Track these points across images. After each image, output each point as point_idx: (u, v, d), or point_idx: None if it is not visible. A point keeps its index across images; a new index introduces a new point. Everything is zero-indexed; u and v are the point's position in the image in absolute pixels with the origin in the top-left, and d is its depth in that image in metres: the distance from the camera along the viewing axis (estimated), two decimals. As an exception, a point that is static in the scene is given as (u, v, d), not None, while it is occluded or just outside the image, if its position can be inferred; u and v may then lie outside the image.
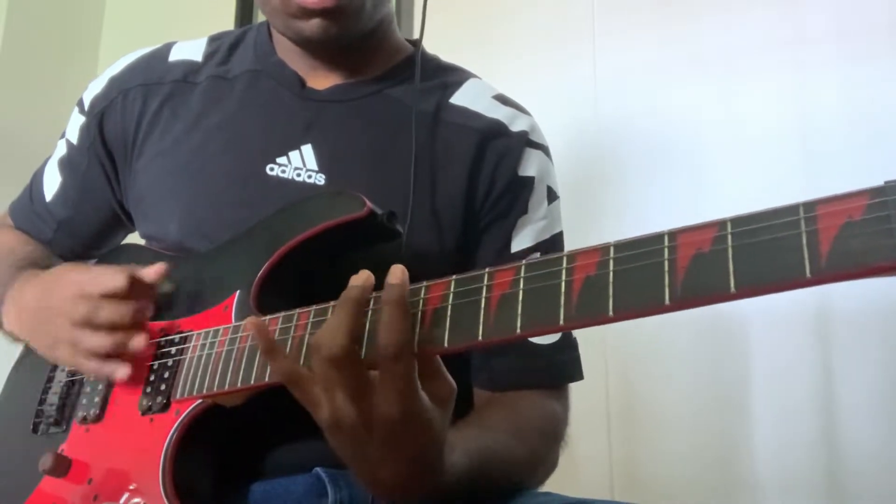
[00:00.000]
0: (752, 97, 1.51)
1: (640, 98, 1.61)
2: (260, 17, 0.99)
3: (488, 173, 0.91)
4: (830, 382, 1.37)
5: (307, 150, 0.89)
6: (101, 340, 0.78)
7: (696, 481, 1.43)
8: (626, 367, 1.52)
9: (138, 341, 0.78)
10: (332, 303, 0.67)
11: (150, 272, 0.81)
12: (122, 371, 0.78)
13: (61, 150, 1.03)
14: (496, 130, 0.93)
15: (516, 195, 0.92)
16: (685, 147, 1.55)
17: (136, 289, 0.79)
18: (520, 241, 0.91)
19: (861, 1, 1.47)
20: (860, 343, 1.36)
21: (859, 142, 1.41)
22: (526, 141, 0.94)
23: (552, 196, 0.95)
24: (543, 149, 0.96)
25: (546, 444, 0.84)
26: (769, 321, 1.42)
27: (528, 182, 0.93)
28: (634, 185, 1.58)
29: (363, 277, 0.63)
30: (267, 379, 0.69)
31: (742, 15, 1.55)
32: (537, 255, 0.90)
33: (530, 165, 0.93)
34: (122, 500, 0.75)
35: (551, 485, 0.85)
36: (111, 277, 0.78)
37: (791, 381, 1.39)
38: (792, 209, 0.45)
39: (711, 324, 1.46)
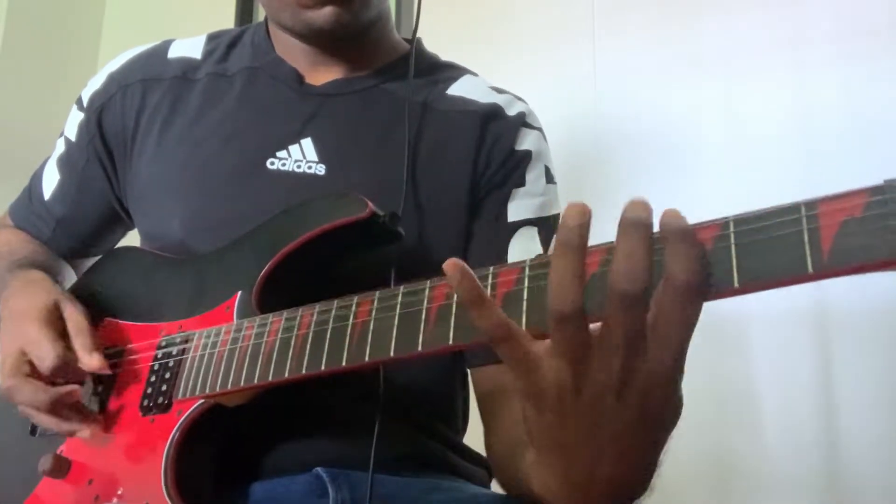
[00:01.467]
0: (752, 97, 1.52)
1: (640, 98, 1.61)
2: (259, 17, 0.99)
3: (485, 154, 0.92)
4: (830, 382, 1.37)
5: (307, 143, 0.90)
6: (41, 418, 0.79)
7: (696, 481, 1.43)
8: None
9: (84, 433, 0.79)
10: (335, 301, 0.67)
11: (93, 366, 0.79)
12: (83, 431, 0.79)
13: (60, 148, 1.03)
14: (493, 113, 0.94)
15: (513, 168, 0.92)
16: (685, 147, 1.55)
17: (65, 373, 0.79)
18: (516, 212, 0.91)
19: (861, 1, 1.47)
20: (860, 343, 1.36)
21: (859, 142, 1.41)
22: (522, 122, 0.95)
23: (550, 177, 0.95)
24: (540, 130, 0.97)
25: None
26: (769, 321, 1.42)
27: (525, 155, 0.93)
28: (634, 184, 1.58)
29: (578, 211, 0.49)
30: (270, 378, 0.68)
31: (742, 15, 1.56)
32: (535, 229, 0.91)
33: (527, 141, 0.94)
34: (123, 502, 0.75)
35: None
36: (45, 354, 0.78)
37: (791, 381, 1.39)
38: (794, 208, 0.45)
39: (711, 324, 1.45)
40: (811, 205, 0.45)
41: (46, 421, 0.79)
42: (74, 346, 0.80)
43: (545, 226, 0.92)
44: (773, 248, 0.45)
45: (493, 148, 0.92)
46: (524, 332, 0.51)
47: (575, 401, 0.49)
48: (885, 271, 0.42)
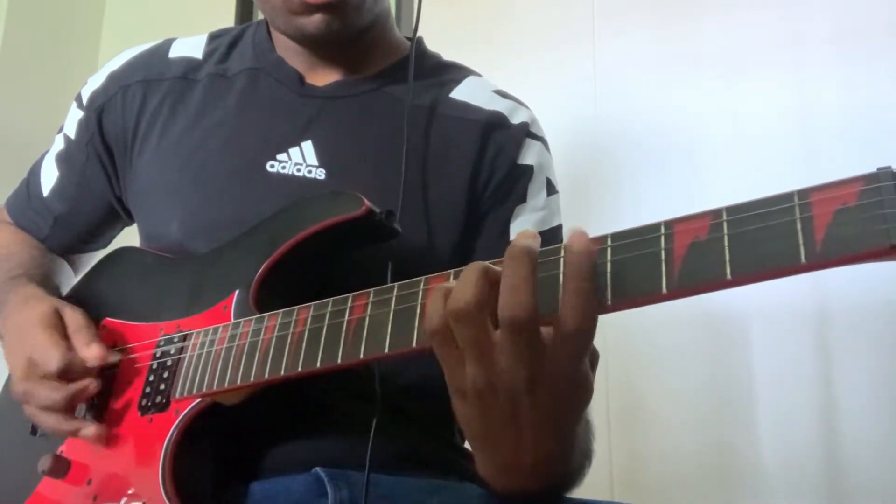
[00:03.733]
0: (752, 97, 1.52)
1: (640, 98, 1.61)
2: (260, 15, 0.99)
3: (489, 163, 0.91)
4: (830, 382, 1.36)
5: (307, 146, 0.90)
6: (49, 394, 0.79)
7: (696, 481, 1.43)
8: (626, 367, 1.52)
9: (87, 431, 0.78)
10: (330, 299, 0.67)
11: (91, 357, 0.80)
12: (88, 430, 0.79)
13: (59, 144, 1.03)
14: (497, 122, 0.93)
15: (515, 183, 0.92)
16: (685, 147, 1.55)
17: (73, 370, 0.79)
18: (518, 227, 0.91)
19: (860, 1, 1.47)
20: (860, 343, 1.36)
21: (859, 142, 1.41)
22: (526, 132, 0.94)
23: (551, 188, 0.95)
24: (543, 141, 0.97)
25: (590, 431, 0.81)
26: (769, 321, 1.42)
27: (527, 170, 0.93)
28: (634, 184, 1.58)
29: (531, 234, 0.55)
30: (267, 376, 0.68)
31: (742, 15, 1.56)
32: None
33: (529, 155, 0.94)
34: (122, 501, 0.75)
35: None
36: (49, 356, 0.79)
37: (791, 381, 1.39)
38: (787, 197, 0.45)
39: (712, 324, 1.46)
40: (804, 193, 0.44)
41: (55, 423, 0.79)
42: (74, 345, 0.80)
43: (545, 236, 0.91)
44: (766, 239, 0.45)
45: (496, 160, 0.92)
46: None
47: (491, 398, 0.54)
48: (881, 261, 0.41)
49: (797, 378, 1.38)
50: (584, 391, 0.56)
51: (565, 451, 0.60)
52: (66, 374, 0.79)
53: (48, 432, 0.82)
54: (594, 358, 0.58)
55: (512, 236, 0.90)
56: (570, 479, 0.71)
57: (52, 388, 0.78)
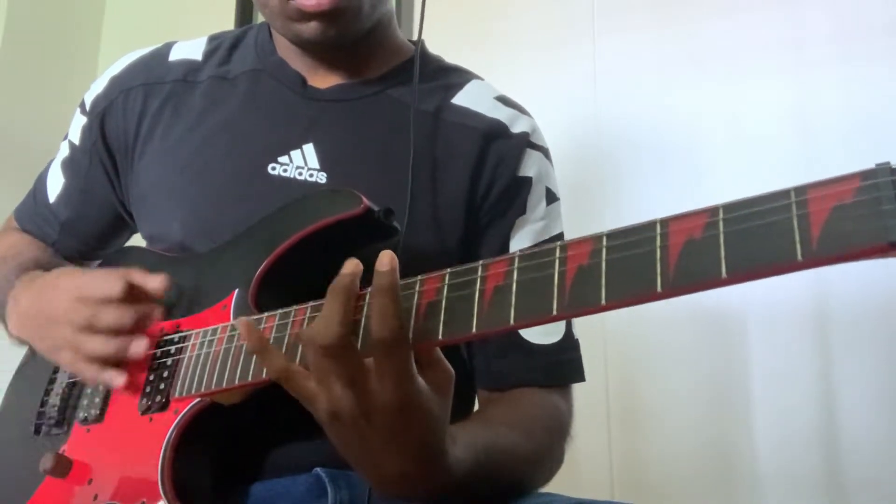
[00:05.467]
0: (751, 97, 1.52)
1: (640, 98, 1.61)
2: (260, 17, 0.99)
3: (489, 173, 0.91)
4: (829, 381, 1.37)
5: (308, 149, 0.89)
6: (102, 345, 0.77)
7: (696, 481, 1.43)
8: (626, 367, 1.52)
9: (138, 346, 0.77)
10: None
11: (154, 282, 0.80)
12: (118, 379, 0.77)
13: (64, 151, 1.03)
14: (497, 131, 0.93)
15: (514, 195, 0.92)
16: (685, 147, 1.55)
17: (134, 294, 0.78)
18: (518, 242, 0.91)
19: (860, 2, 1.47)
20: (859, 342, 1.36)
21: (858, 142, 1.41)
22: (527, 142, 0.94)
23: (551, 197, 0.95)
24: (543, 150, 0.96)
25: (551, 438, 0.84)
26: (768, 321, 1.42)
27: (527, 182, 0.93)
28: (634, 184, 1.58)
29: (352, 265, 0.62)
30: (264, 375, 0.68)
31: (742, 15, 1.56)
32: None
33: (530, 166, 0.93)
34: (122, 501, 0.75)
35: (551, 485, 0.85)
36: (109, 282, 0.78)
37: (790, 381, 1.39)
38: (783, 193, 0.45)
39: (711, 324, 1.46)
40: (801, 190, 0.44)
41: (117, 346, 0.77)
42: (136, 280, 0.79)
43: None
44: (762, 236, 0.44)
45: (496, 170, 0.91)
46: (303, 371, 0.62)
47: (339, 426, 0.60)
48: (878, 258, 0.41)
49: (796, 377, 1.39)
50: (422, 425, 0.60)
51: (428, 473, 0.62)
52: (128, 299, 0.78)
53: (85, 374, 0.79)
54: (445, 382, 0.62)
55: (512, 250, 0.90)
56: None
57: (123, 309, 0.77)
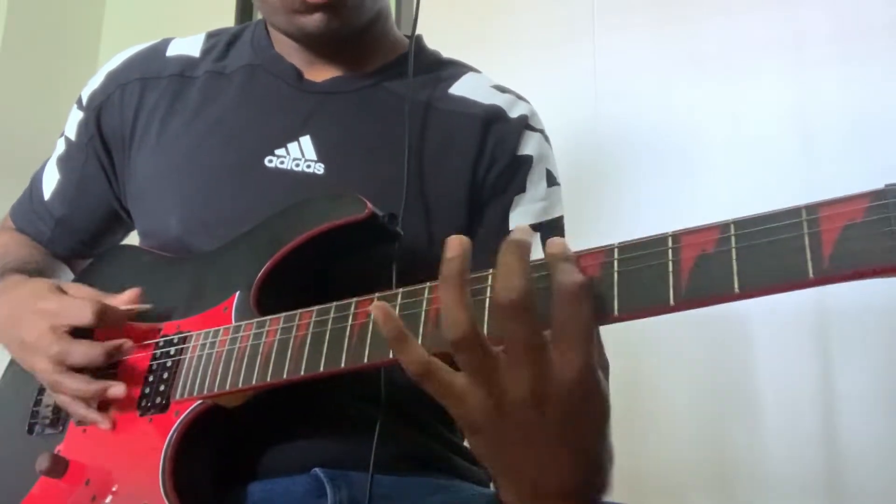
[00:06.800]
0: (751, 97, 1.51)
1: (640, 97, 1.61)
2: (259, 15, 0.99)
3: (488, 156, 0.92)
4: (830, 382, 1.37)
5: (305, 141, 0.90)
6: (83, 386, 0.77)
7: (696, 481, 1.43)
8: (626, 367, 1.51)
9: (116, 391, 0.77)
10: (333, 303, 0.67)
11: (122, 299, 0.80)
12: (105, 423, 0.78)
13: (60, 148, 1.03)
14: (496, 115, 0.94)
15: (514, 173, 0.92)
16: (684, 147, 1.55)
17: (108, 318, 0.78)
18: (518, 219, 0.91)
19: (860, 2, 1.47)
20: (860, 343, 1.36)
21: (859, 142, 1.41)
22: (525, 124, 0.95)
23: (552, 180, 0.95)
24: (542, 133, 0.97)
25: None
26: (769, 321, 1.42)
27: (526, 160, 0.93)
28: (633, 184, 1.58)
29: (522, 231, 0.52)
30: (269, 379, 0.68)
31: (742, 15, 1.55)
32: (537, 235, 0.91)
33: (529, 146, 0.94)
34: (121, 502, 0.75)
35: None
36: (81, 309, 0.78)
37: (791, 381, 1.39)
38: (794, 211, 0.45)
39: (712, 324, 1.46)
40: (812, 209, 0.44)
41: (83, 386, 0.77)
42: (106, 301, 0.79)
43: (547, 229, 0.92)
44: (774, 253, 0.45)
45: (495, 151, 0.92)
46: (445, 366, 0.52)
47: (501, 422, 0.51)
48: (887, 277, 0.42)
49: (798, 378, 1.39)
50: (597, 406, 0.51)
51: (590, 478, 0.53)
52: (103, 321, 0.77)
53: (70, 410, 0.80)
54: (605, 368, 0.53)
55: (511, 226, 0.90)
56: None
57: (91, 347, 0.77)
